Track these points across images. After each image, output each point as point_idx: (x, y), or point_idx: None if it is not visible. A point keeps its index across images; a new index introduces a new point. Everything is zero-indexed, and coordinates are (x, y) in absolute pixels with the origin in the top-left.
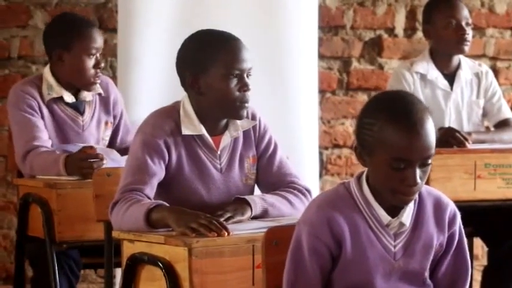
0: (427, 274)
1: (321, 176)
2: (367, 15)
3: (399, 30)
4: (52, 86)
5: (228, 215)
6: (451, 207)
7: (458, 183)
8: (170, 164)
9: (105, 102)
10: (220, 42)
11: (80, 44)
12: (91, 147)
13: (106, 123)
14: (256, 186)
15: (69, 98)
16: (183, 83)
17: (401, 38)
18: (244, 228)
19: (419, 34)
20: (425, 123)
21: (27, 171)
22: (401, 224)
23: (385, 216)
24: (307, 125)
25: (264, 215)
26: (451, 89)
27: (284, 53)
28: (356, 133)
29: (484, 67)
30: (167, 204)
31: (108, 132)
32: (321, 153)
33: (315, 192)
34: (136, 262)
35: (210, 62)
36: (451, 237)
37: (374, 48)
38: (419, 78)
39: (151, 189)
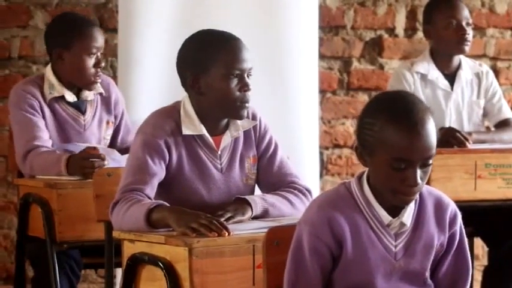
0: (427, 274)
1: (321, 176)
2: (367, 15)
3: (400, 30)
4: (54, 85)
5: (229, 215)
6: (452, 207)
7: (458, 183)
8: (171, 164)
9: (106, 101)
10: (221, 42)
11: (81, 43)
12: (94, 148)
13: (107, 122)
14: (256, 186)
15: (70, 97)
16: (184, 83)
17: (402, 38)
18: (245, 228)
19: (420, 34)
20: (426, 124)
21: (27, 171)
22: (402, 224)
23: (385, 216)
24: (307, 125)
25: (264, 215)
26: (452, 89)
27: (284, 53)
28: (357, 133)
29: (485, 67)
30: (168, 204)
31: (110, 132)
32: (321, 153)
33: (316, 192)
34: (137, 262)
35: (211, 62)
36: (451, 237)
37: (374, 48)
38: (420, 78)
39: (151, 189)
